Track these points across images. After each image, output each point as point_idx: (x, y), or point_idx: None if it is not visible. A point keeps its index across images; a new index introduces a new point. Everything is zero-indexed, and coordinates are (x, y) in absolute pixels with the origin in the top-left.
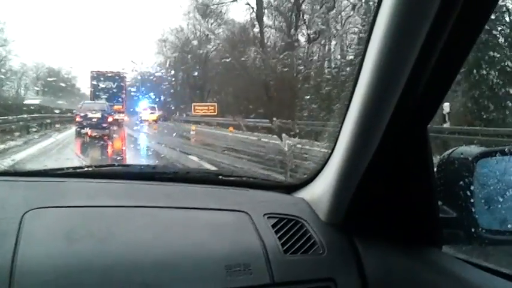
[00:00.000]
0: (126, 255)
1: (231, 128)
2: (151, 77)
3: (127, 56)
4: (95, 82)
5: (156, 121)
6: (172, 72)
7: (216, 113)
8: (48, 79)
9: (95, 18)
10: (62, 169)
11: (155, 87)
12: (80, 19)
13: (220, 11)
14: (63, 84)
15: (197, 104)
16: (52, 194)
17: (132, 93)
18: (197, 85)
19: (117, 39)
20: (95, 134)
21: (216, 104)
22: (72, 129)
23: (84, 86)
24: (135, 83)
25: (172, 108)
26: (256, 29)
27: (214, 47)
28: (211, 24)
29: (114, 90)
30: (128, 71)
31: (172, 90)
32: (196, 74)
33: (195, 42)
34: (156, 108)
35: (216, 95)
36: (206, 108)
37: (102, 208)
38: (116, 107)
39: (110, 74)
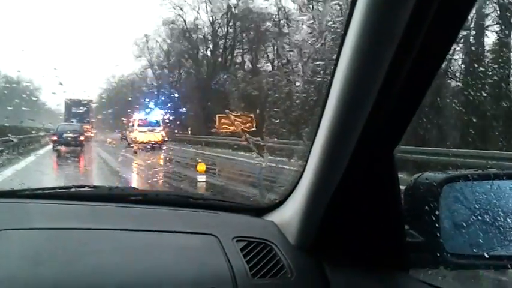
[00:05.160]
0: (91, 279)
1: None
2: (142, 84)
3: (99, 63)
4: (68, 107)
5: (161, 144)
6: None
7: (254, 128)
8: (6, 91)
9: (61, 19)
10: (29, 190)
11: (140, 96)
12: (42, 19)
13: None
14: (24, 96)
15: (223, 115)
16: (18, 215)
17: (111, 109)
18: (211, 88)
19: (87, 42)
20: (70, 149)
21: (253, 115)
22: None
23: (50, 99)
24: (116, 96)
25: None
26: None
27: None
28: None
29: (83, 114)
30: (102, 80)
31: (172, 97)
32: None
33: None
34: (161, 124)
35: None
36: (239, 120)
37: (68, 230)
38: (84, 126)
39: (80, 101)
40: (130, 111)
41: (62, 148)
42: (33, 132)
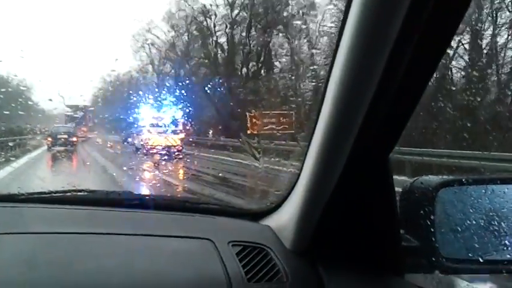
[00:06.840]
0: (87, 284)
1: None
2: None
3: (93, 60)
4: (68, 113)
5: (180, 150)
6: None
7: (292, 130)
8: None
9: (52, 17)
10: (26, 194)
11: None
12: (34, 18)
13: None
14: (21, 101)
15: (256, 113)
16: (13, 219)
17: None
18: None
19: (79, 36)
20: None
21: (293, 112)
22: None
23: (43, 99)
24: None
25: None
26: None
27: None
28: None
29: (81, 118)
30: (97, 80)
31: (181, 94)
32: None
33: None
34: (181, 123)
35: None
36: (275, 119)
37: (63, 235)
38: (82, 129)
39: (77, 106)
40: (133, 110)
41: (56, 149)
42: (29, 136)
